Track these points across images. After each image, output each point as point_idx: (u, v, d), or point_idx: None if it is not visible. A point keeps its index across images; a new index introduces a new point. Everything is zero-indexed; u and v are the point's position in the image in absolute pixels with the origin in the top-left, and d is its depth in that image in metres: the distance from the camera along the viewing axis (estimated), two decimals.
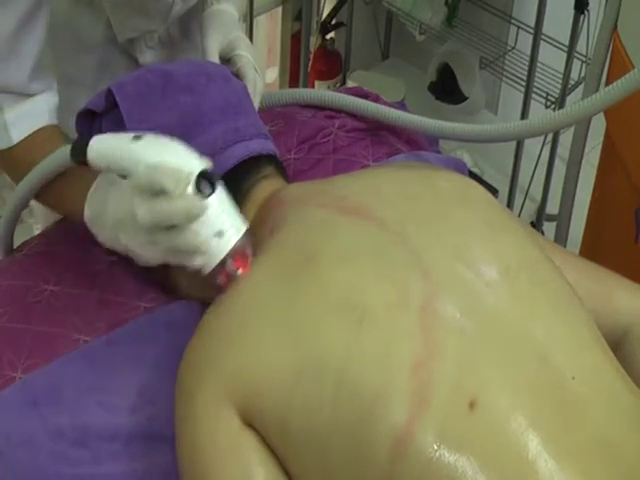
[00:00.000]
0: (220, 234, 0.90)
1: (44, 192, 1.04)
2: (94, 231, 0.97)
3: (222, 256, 0.90)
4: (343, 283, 0.87)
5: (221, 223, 0.90)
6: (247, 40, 1.23)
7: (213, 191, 0.88)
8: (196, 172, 0.87)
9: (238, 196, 1.03)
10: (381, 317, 0.84)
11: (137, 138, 0.90)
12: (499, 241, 0.93)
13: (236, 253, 0.91)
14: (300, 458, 0.83)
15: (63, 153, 0.97)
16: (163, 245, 0.89)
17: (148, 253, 0.91)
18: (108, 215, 0.93)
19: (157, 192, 0.86)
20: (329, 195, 0.97)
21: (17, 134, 1.03)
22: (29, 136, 1.04)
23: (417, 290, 0.86)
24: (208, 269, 0.91)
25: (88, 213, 0.97)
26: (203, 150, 0.98)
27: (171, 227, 0.87)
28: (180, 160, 0.88)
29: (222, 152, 1.01)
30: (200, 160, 0.88)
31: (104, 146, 0.91)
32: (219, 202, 0.89)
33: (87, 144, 0.91)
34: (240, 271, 0.91)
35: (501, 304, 0.87)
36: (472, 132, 1.12)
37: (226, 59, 1.20)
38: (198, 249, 0.89)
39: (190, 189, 0.86)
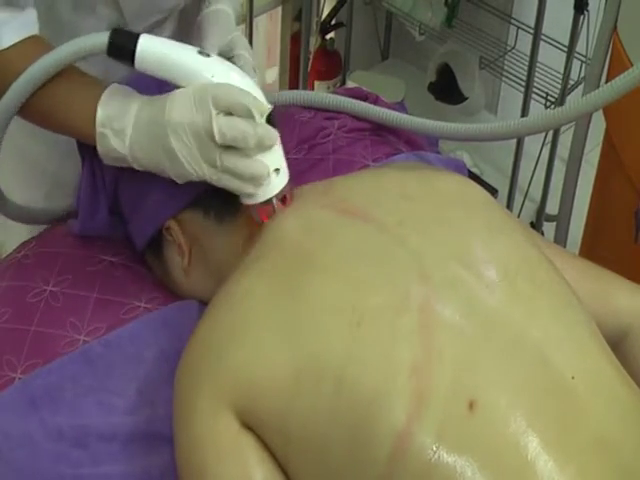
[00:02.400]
0: (277, 171, 0.93)
1: (35, 97, 0.96)
2: (104, 134, 0.93)
3: (276, 192, 0.93)
4: (342, 284, 0.87)
5: (280, 161, 0.94)
6: (245, 40, 1.22)
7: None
8: (271, 107, 0.92)
9: (238, 195, 1.03)
10: (380, 318, 0.84)
11: (203, 54, 0.92)
12: (498, 242, 0.93)
13: (283, 193, 0.94)
14: (299, 459, 0.83)
15: (77, 45, 0.92)
16: (224, 164, 0.89)
17: (196, 168, 0.90)
18: (131, 118, 0.92)
19: (237, 113, 0.88)
20: (329, 196, 0.97)
21: (7, 38, 0.97)
22: (19, 43, 0.98)
23: (416, 292, 0.85)
24: (257, 200, 0.93)
25: (102, 115, 0.93)
26: None
27: (239, 150, 0.89)
28: (255, 91, 0.92)
29: None
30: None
31: (160, 48, 0.91)
32: (279, 142, 0.93)
33: (136, 40, 0.90)
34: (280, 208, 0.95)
35: (500, 305, 0.87)
36: (470, 131, 1.12)
37: (225, 59, 1.20)
38: (259, 179, 0.91)
39: (264, 121, 0.91)
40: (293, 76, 2.52)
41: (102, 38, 0.92)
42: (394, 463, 0.78)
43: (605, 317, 1.00)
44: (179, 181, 0.94)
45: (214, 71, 0.91)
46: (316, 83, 2.57)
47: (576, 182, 1.76)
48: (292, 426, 0.82)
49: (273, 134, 0.91)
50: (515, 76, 2.21)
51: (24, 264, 1.10)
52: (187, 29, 1.29)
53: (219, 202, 1.02)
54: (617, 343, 1.00)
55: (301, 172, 1.21)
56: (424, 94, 2.42)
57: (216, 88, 0.90)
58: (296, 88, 2.36)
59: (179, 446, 0.88)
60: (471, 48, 2.30)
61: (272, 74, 2.64)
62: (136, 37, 0.91)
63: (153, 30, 1.22)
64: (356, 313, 0.84)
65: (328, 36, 2.56)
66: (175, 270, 1.06)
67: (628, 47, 1.37)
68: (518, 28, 2.23)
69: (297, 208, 0.96)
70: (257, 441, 0.84)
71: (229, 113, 0.89)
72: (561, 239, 1.87)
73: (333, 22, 2.54)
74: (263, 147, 0.90)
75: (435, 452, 0.78)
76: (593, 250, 1.64)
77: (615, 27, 1.44)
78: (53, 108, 0.97)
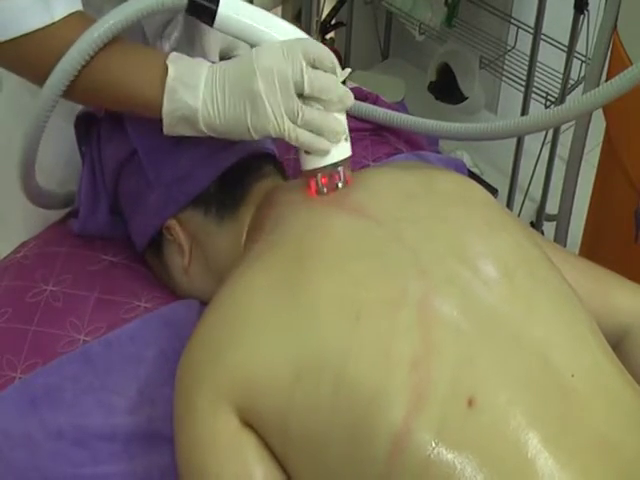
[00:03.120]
0: (347, 138, 0.95)
1: (92, 65, 0.92)
2: (174, 88, 0.91)
3: (344, 157, 0.94)
4: (341, 280, 0.87)
5: (347, 129, 0.94)
6: None
7: None
8: (349, 70, 0.94)
9: (238, 193, 1.03)
10: (378, 313, 0.84)
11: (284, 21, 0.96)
12: (497, 240, 0.93)
13: (347, 164, 0.95)
14: (299, 456, 0.83)
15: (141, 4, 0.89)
16: (305, 117, 0.90)
17: (278, 116, 0.90)
18: (202, 74, 0.91)
19: (324, 67, 0.91)
20: (330, 194, 0.97)
21: (59, 10, 0.93)
22: (71, 15, 0.93)
23: (414, 287, 0.85)
24: (325, 162, 0.93)
25: (173, 70, 0.91)
26: (203, 147, 0.98)
27: (319, 105, 0.91)
28: None
29: (222, 150, 1.01)
30: None
31: (241, 11, 0.93)
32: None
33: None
34: (341, 184, 0.95)
35: (499, 302, 0.87)
36: (470, 131, 1.12)
37: (226, 59, 1.20)
38: (336, 134, 0.92)
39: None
40: None
41: None
42: (393, 459, 0.78)
43: (605, 317, 1.00)
44: (255, 135, 0.92)
45: (297, 31, 0.94)
46: None
47: (576, 182, 1.76)
48: (292, 424, 0.82)
49: (351, 95, 0.93)
50: (515, 76, 2.21)
51: (24, 264, 1.10)
52: (193, 28, 1.29)
53: (220, 201, 1.02)
54: (617, 343, 1.00)
55: (300, 172, 1.21)
56: (424, 94, 2.42)
57: (304, 42, 0.92)
58: None
59: (179, 445, 0.88)
60: (471, 48, 2.30)
61: None
62: None
63: (164, 28, 1.20)
64: (354, 308, 0.84)
65: (328, 36, 2.56)
66: (175, 270, 1.06)
67: (628, 47, 1.37)
68: (518, 28, 2.23)
69: (296, 206, 0.96)
70: (257, 439, 0.84)
71: (314, 67, 0.91)
72: (561, 239, 1.87)
73: (333, 22, 2.54)
74: (343, 104, 0.92)
75: (434, 449, 0.78)
76: (593, 250, 1.64)
77: (615, 27, 1.44)
78: (112, 74, 0.94)
